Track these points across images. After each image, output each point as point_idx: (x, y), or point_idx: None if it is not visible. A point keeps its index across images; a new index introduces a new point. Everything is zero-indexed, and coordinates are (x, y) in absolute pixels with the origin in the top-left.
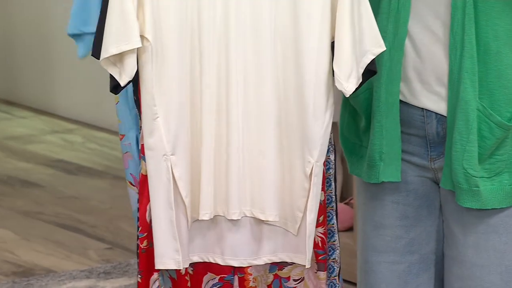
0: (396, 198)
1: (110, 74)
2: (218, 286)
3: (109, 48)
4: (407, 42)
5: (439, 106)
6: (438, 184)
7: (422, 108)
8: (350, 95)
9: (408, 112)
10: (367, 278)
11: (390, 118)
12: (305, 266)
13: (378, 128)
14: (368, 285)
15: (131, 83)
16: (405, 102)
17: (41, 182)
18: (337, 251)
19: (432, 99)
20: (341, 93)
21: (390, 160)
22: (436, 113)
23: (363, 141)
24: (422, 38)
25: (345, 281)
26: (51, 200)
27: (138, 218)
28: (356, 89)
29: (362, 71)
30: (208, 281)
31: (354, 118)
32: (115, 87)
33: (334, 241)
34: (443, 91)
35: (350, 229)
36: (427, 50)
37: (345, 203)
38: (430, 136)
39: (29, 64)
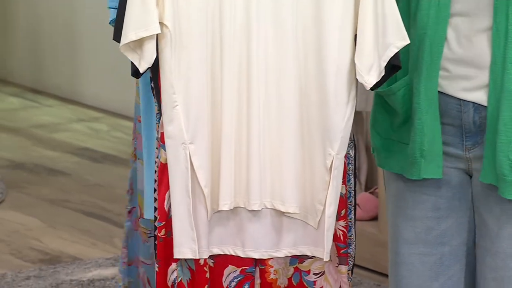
0: (428, 190)
1: None
2: (239, 278)
3: (128, 34)
4: (448, 33)
5: (477, 95)
6: (470, 176)
7: (459, 98)
8: (375, 89)
9: (444, 102)
10: (398, 270)
11: (430, 114)
12: (326, 260)
13: (419, 125)
14: (399, 276)
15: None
16: (440, 91)
17: (67, 170)
18: (353, 245)
19: (470, 88)
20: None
21: (432, 156)
22: (474, 103)
23: (398, 137)
24: (464, 29)
25: (370, 270)
26: (77, 188)
27: (155, 206)
28: (378, 83)
29: (384, 64)
30: (229, 274)
31: (388, 114)
32: (136, 72)
33: (350, 236)
34: (482, 80)
35: (375, 218)
36: (468, 41)
37: (370, 193)
38: (466, 125)
39: (55, 53)
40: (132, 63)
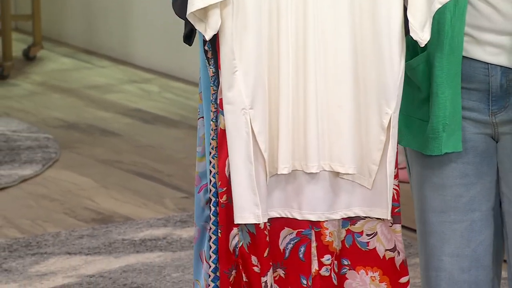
0: (455, 157)
1: (185, 24)
2: (295, 240)
3: (195, 3)
4: (470, 0)
5: (503, 58)
6: (496, 140)
7: (486, 62)
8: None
9: (470, 67)
10: (428, 240)
11: (453, 88)
12: (378, 220)
13: (442, 99)
14: (430, 246)
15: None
16: (466, 56)
17: (119, 131)
18: None
19: (497, 53)
20: None
21: (452, 130)
22: (501, 66)
23: (419, 114)
24: None
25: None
26: (128, 149)
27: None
28: None
29: (431, 20)
30: (286, 236)
31: (411, 90)
32: (188, 38)
33: None
34: (509, 44)
35: None
36: (492, 8)
37: None
38: (493, 89)
39: (108, 14)
40: (185, 29)
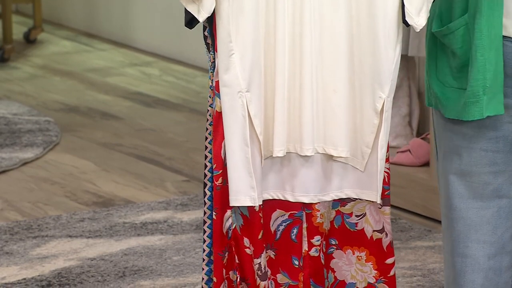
0: (485, 146)
1: (185, 9)
2: (287, 222)
3: None
4: None
5: None
6: None
7: None
8: (441, 33)
9: (507, 47)
10: (454, 225)
11: (493, 50)
12: (368, 201)
13: (481, 62)
14: (456, 231)
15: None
16: (507, 37)
17: (120, 114)
18: None
19: None
20: (427, 37)
21: (493, 93)
22: None
23: (457, 83)
24: None
25: (421, 216)
26: (129, 132)
27: (211, 155)
28: None
29: (430, 5)
30: (277, 218)
31: (447, 61)
32: (190, 22)
33: None
34: None
35: (426, 164)
36: None
37: (421, 138)
38: None
39: None
40: (186, 13)
